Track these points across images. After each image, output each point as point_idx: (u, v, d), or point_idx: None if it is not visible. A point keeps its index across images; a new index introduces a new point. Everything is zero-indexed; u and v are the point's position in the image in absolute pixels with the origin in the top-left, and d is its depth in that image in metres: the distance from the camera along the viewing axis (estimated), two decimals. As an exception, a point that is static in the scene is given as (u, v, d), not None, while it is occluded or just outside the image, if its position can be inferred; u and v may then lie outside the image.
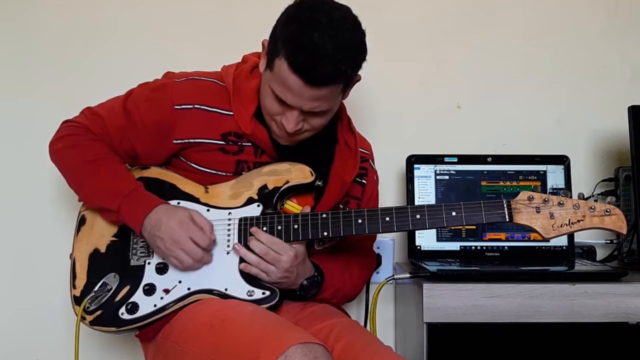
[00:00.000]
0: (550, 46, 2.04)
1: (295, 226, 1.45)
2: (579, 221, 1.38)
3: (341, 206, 1.60)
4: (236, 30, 1.97)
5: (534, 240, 1.81)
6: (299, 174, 1.49)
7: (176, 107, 1.49)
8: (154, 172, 1.55)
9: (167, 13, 2.00)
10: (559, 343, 1.48)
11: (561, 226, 1.39)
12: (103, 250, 1.52)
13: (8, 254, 1.96)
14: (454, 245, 1.82)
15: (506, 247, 1.82)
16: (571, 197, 1.40)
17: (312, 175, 1.49)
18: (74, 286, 1.51)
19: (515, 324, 1.45)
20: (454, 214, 1.41)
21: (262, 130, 1.50)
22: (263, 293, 1.44)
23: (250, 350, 1.24)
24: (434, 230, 1.82)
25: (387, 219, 1.42)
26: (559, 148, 1.91)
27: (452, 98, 2.03)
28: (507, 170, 1.84)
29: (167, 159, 1.55)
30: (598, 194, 1.94)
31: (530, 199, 1.40)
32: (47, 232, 1.94)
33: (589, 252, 1.87)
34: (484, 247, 1.82)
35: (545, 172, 1.83)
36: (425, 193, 1.83)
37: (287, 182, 1.49)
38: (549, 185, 1.82)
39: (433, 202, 1.82)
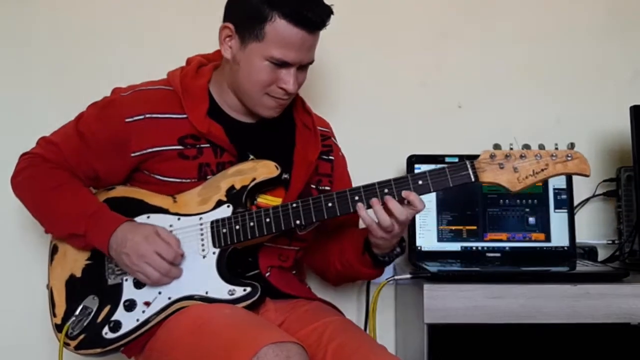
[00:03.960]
0: (550, 46, 2.03)
1: (268, 220, 1.44)
2: (542, 170, 1.39)
3: (313, 186, 1.59)
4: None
5: (535, 241, 1.81)
6: (265, 169, 1.49)
7: (127, 120, 1.49)
8: (120, 191, 1.55)
9: (168, 15, 1.99)
10: (560, 344, 1.48)
11: (526, 178, 1.38)
12: (79, 274, 1.51)
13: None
14: (455, 246, 1.81)
15: (507, 248, 1.81)
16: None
17: (277, 169, 1.50)
18: (54, 314, 1.50)
19: (517, 325, 1.45)
20: (420, 182, 1.40)
21: (217, 128, 1.50)
22: (244, 290, 1.43)
23: (225, 353, 1.25)
24: (435, 231, 1.81)
25: (357, 198, 1.42)
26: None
27: (452, 98, 2.02)
28: (507, 171, 1.83)
29: (128, 174, 1.55)
30: (599, 195, 1.95)
31: (492, 156, 1.40)
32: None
33: (590, 252, 1.86)
34: (485, 248, 1.81)
35: (545, 172, 1.83)
36: (426, 193, 1.82)
37: (254, 179, 1.49)
38: (550, 185, 1.82)
39: (433, 202, 1.82)
